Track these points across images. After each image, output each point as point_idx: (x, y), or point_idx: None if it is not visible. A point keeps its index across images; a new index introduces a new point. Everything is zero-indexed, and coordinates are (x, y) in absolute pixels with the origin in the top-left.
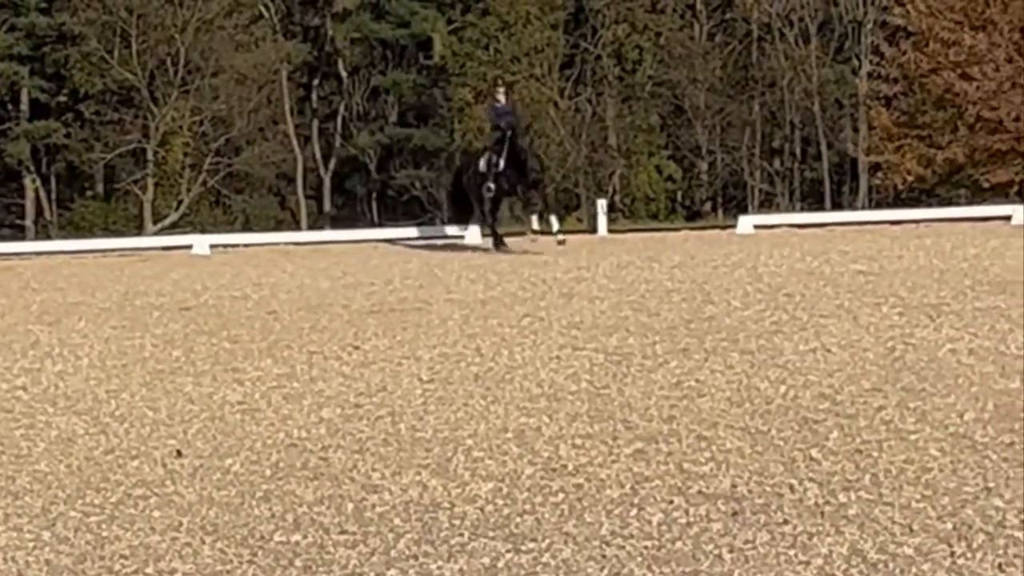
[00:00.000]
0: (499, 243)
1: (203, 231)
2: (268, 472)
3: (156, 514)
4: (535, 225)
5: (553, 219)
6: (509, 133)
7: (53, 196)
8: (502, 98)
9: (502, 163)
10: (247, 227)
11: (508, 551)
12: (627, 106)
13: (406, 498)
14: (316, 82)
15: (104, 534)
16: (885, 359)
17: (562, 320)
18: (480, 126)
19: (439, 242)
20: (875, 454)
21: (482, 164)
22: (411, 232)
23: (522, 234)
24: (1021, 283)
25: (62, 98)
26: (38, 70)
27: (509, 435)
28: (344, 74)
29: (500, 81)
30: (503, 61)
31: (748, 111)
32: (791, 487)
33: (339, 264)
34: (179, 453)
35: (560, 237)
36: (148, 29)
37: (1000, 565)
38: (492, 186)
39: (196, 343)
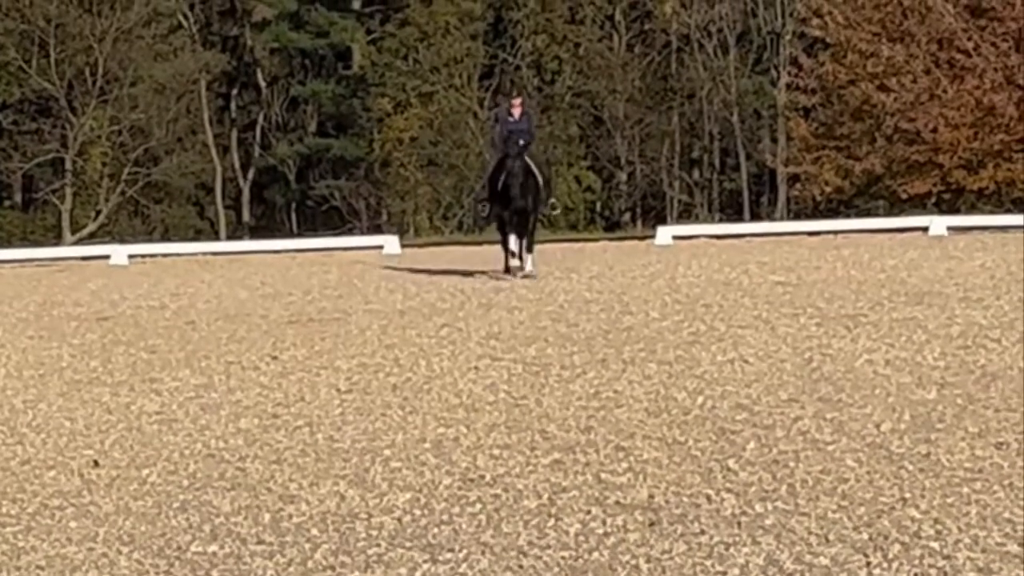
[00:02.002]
0: (506, 267)
1: (121, 241)
2: (185, 482)
3: (73, 525)
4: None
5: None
6: (516, 154)
7: None
8: (516, 111)
9: (499, 183)
10: (166, 237)
11: (425, 561)
12: (546, 116)
13: (323, 508)
14: (235, 92)
15: (20, 544)
16: (802, 370)
17: (480, 330)
18: (399, 136)
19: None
20: (792, 464)
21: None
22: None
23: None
24: (938, 294)
25: None
26: None
27: (427, 445)
28: (263, 84)
29: (516, 91)
30: (422, 71)
31: (667, 122)
32: (708, 497)
33: (258, 274)
34: (96, 463)
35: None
36: (66, 38)
37: (916, 575)
38: (486, 205)
39: (114, 353)
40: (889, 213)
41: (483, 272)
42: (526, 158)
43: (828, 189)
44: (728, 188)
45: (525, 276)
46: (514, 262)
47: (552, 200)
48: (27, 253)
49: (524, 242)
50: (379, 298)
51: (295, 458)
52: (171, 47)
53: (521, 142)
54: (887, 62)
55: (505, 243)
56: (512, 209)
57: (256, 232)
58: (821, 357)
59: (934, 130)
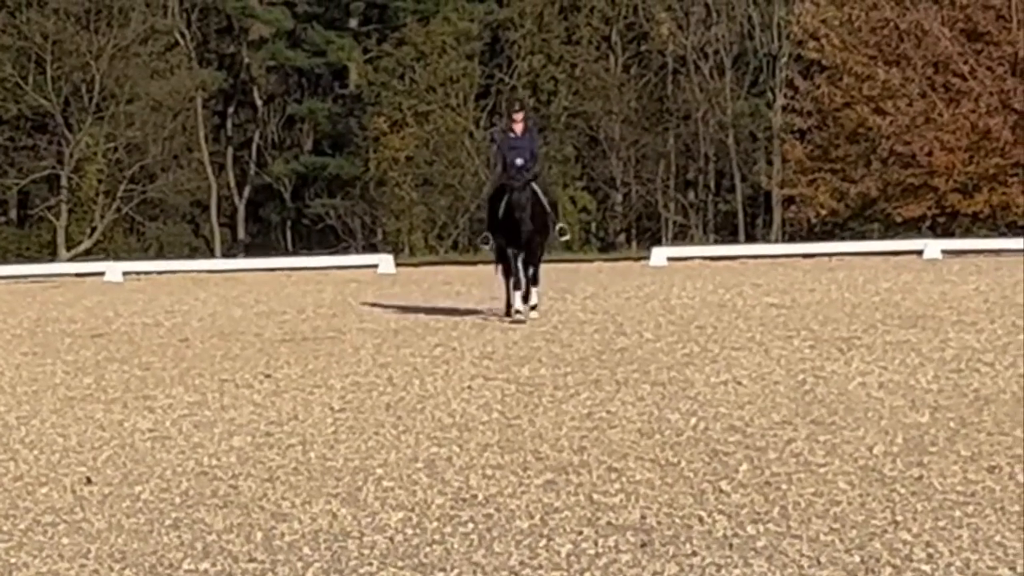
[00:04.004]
0: (507, 306)
1: (116, 258)
2: (178, 500)
3: (65, 541)
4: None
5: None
6: (522, 184)
7: None
8: (518, 127)
9: (501, 211)
10: (161, 254)
11: None
12: (542, 137)
13: (315, 527)
14: (231, 110)
15: (12, 561)
16: (796, 392)
17: (474, 350)
18: (395, 156)
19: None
20: (784, 487)
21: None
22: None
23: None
24: (932, 317)
25: None
26: None
27: (419, 465)
28: (259, 102)
29: (517, 106)
30: (419, 91)
31: (663, 143)
32: (700, 519)
33: (252, 292)
34: (89, 480)
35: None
36: (63, 55)
37: None
38: (488, 236)
39: (107, 370)
40: (884, 236)
41: (480, 311)
42: (533, 185)
43: (823, 211)
44: (723, 210)
45: (531, 312)
46: (517, 304)
47: (561, 226)
48: (22, 269)
49: (530, 275)
50: (373, 317)
51: (288, 476)
52: (168, 65)
53: (520, 161)
54: (883, 85)
55: (507, 277)
56: (518, 242)
57: (251, 250)
58: (814, 379)
59: (929, 153)
